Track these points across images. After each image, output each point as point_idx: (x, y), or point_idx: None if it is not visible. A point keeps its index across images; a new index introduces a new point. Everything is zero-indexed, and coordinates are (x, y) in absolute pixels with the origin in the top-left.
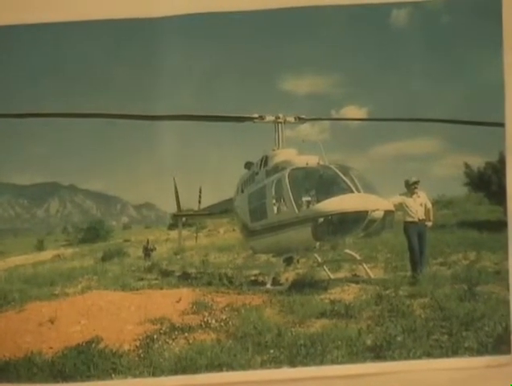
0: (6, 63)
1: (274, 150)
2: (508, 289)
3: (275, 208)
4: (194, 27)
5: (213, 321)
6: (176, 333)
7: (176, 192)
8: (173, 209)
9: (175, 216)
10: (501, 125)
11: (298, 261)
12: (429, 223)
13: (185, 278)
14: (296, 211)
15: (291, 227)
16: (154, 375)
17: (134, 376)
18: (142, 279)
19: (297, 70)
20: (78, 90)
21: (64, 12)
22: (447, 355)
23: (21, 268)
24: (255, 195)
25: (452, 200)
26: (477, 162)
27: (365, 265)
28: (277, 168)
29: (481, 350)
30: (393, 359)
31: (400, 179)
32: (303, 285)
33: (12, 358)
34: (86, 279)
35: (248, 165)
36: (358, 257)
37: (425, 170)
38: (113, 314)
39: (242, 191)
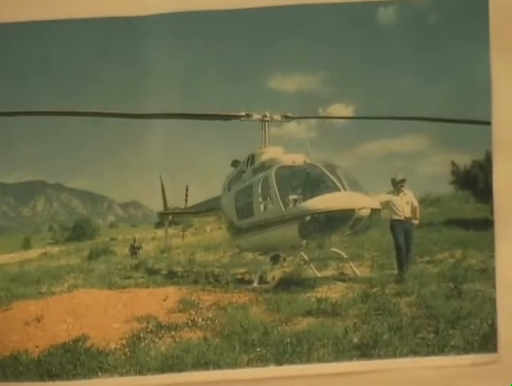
0: None
1: (260, 148)
2: (494, 287)
3: (262, 206)
4: (181, 25)
5: (200, 319)
6: (163, 331)
7: (163, 190)
8: (160, 207)
9: (162, 215)
10: (488, 123)
11: (284, 259)
12: (415, 222)
13: (172, 277)
14: (283, 209)
15: (277, 226)
16: (140, 373)
17: (121, 375)
18: (128, 277)
19: (284, 68)
20: (65, 88)
21: (51, 10)
22: (433, 353)
23: (7, 266)
24: (242, 193)
25: (438, 198)
26: (464, 161)
27: (351, 264)
28: (264, 166)
29: (467, 348)
30: (379, 357)
31: (387, 177)
32: (290, 284)
33: None
34: (72, 277)
35: (235, 163)
36: (345, 256)
37: (412, 169)
38: (100, 313)
39: (229, 190)
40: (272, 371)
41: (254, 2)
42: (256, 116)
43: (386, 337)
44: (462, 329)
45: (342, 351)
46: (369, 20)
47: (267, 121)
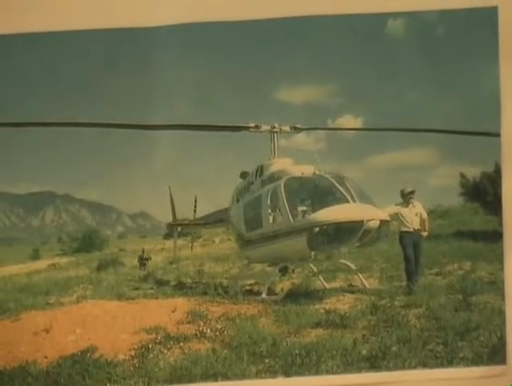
0: (2, 72)
1: (269, 160)
2: (503, 299)
3: (271, 218)
4: (190, 37)
5: (208, 330)
6: (171, 342)
7: (172, 202)
8: (168, 218)
9: (171, 226)
10: (497, 135)
11: (293, 271)
12: (424, 233)
13: (180, 288)
14: (291, 220)
15: (286, 237)
16: (149, 384)
17: None
18: (137, 288)
19: (293, 80)
20: (74, 100)
21: (60, 22)
22: (442, 365)
23: (16, 277)
24: (250, 204)
25: (447, 210)
26: (473, 173)
27: (360, 275)
28: (272, 178)
29: (475, 360)
30: (388, 369)
31: (396, 189)
32: (299, 295)
33: (7, 367)
34: (81, 288)
35: (243, 174)
36: (353, 267)
37: (421, 180)
38: (108, 324)
39: (238, 201)
40: (281, 382)
41: (263, 14)
42: (265, 127)
43: (394, 349)
44: (471, 341)
45: (351, 362)
46: (378, 32)
47: (276, 132)
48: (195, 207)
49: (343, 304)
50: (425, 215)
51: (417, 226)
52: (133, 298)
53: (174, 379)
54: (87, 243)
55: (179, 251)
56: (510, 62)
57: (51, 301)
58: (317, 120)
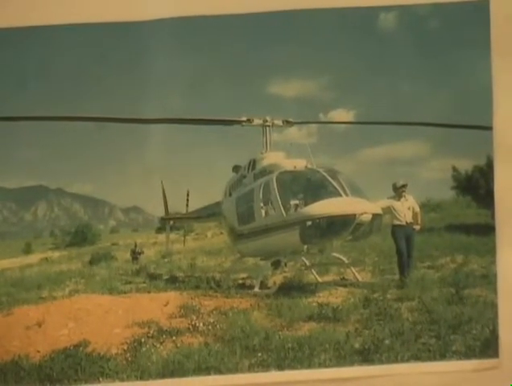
0: None
1: (262, 154)
2: (495, 293)
3: (263, 212)
4: (182, 30)
5: (201, 324)
6: (164, 336)
7: (164, 195)
8: (161, 212)
9: (163, 220)
10: (489, 128)
11: (285, 265)
12: (417, 227)
13: (173, 282)
14: (284, 214)
15: (278, 231)
16: (141, 378)
17: (122, 380)
18: (129, 282)
19: (285, 73)
20: (66, 94)
21: (51, 16)
22: (434, 359)
23: (8, 271)
24: (243, 198)
25: (439, 204)
26: (465, 166)
27: (352, 269)
28: (265, 171)
29: (468, 353)
30: (381, 362)
31: (388, 183)
32: (291, 289)
33: None
34: (74, 282)
35: (236, 168)
36: (346, 261)
37: (413, 174)
38: (101, 318)
39: (230, 195)
40: (273, 376)
41: (255, 7)
42: (257, 121)
43: (387, 342)
44: (463, 334)
45: (343, 356)
46: (370, 25)
47: (268, 126)
48: (187, 200)
49: (335, 297)
50: (417, 209)
51: (409, 219)
52: (125, 292)
53: (166, 373)
54: (79, 237)
55: (172, 245)
56: (502, 55)
57: (44, 296)
58: (309, 114)
